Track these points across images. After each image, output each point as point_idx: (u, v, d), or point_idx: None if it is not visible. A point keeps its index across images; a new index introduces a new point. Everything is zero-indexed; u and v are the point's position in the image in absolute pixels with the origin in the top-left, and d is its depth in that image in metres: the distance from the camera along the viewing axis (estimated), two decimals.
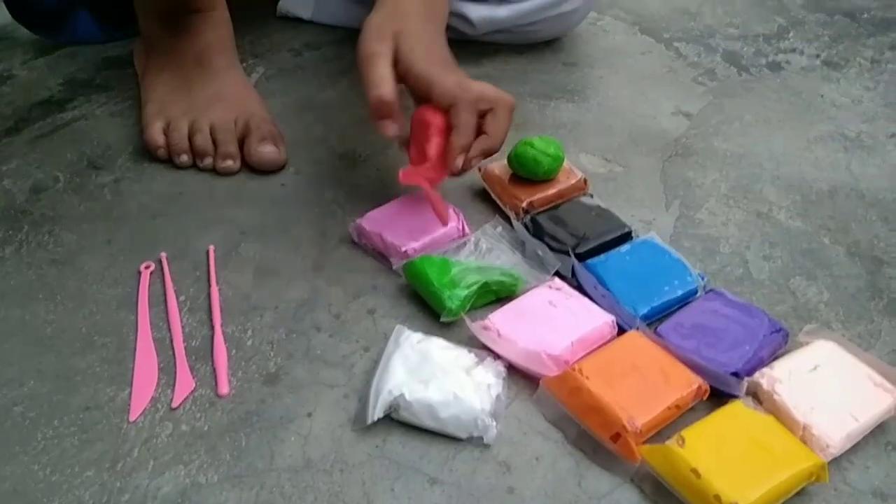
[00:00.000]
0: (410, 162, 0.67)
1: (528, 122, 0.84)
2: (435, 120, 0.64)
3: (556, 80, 0.92)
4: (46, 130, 0.82)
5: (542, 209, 0.69)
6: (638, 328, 0.56)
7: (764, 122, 0.85)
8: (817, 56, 0.99)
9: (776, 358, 0.55)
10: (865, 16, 1.10)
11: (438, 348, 0.54)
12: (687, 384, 0.51)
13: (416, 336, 0.55)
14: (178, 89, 0.79)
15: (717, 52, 0.99)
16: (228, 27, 0.84)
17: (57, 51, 0.97)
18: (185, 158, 0.76)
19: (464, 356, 0.54)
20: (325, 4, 1.03)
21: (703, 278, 0.61)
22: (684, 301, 0.60)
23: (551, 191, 0.70)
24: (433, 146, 0.64)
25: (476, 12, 0.92)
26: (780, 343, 0.56)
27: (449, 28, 0.73)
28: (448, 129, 0.64)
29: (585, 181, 0.72)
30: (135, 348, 0.57)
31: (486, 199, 0.73)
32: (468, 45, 0.94)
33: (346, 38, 1.00)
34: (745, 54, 0.99)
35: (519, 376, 0.55)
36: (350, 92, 0.89)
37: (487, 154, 0.66)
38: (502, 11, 0.92)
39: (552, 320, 0.57)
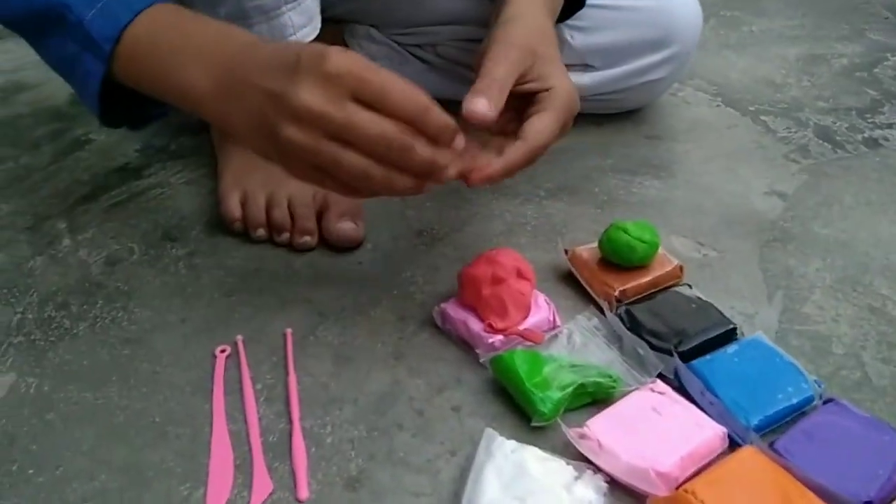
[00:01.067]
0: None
1: (613, 199, 0.80)
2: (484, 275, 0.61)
3: (640, 153, 0.89)
4: (122, 198, 0.81)
5: (635, 299, 0.65)
6: (753, 443, 0.51)
7: (866, 205, 0.80)
8: None
9: None
10: None
11: (534, 459, 0.50)
12: None
13: (510, 444, 0.51)
14: (255, 159, 0.77)
15: (808, 127, 0.95)
16: None
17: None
18: (261, 232, 0.74)
19: (562, 469, 0.50)
20: (399, 72, 1.01)
21: (819, 385, 0.56)
22: (799, 410, 0.55)
23: (645, 279, 0.66)
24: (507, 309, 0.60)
25: None
26: None
27: None
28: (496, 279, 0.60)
29: (681, 268, 0.67)
30: (209, 441, 0.54)
31: (572, 284, 0.69)
32: None
33: None
34: (838, 129, 0.95)
35: (622, 492, 0.50)
36: None
37: (519, 168, 0.58)
38: (585, 79, 0.89)
39: (657, 430, 0.52)
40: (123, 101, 0.60)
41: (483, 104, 0.55)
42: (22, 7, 0.59)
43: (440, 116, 0.50)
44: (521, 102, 0.61)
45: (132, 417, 0.56)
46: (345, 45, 1.04)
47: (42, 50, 0.62)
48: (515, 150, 0.58)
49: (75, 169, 0.86)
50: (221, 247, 0.74)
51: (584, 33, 0.86)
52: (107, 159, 0.88)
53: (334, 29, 1.03)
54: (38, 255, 0.73)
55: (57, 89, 1.04)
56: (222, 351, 0.62)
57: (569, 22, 0.86)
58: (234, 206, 0.75)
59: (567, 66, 0.88)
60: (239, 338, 0.63)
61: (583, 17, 0.86)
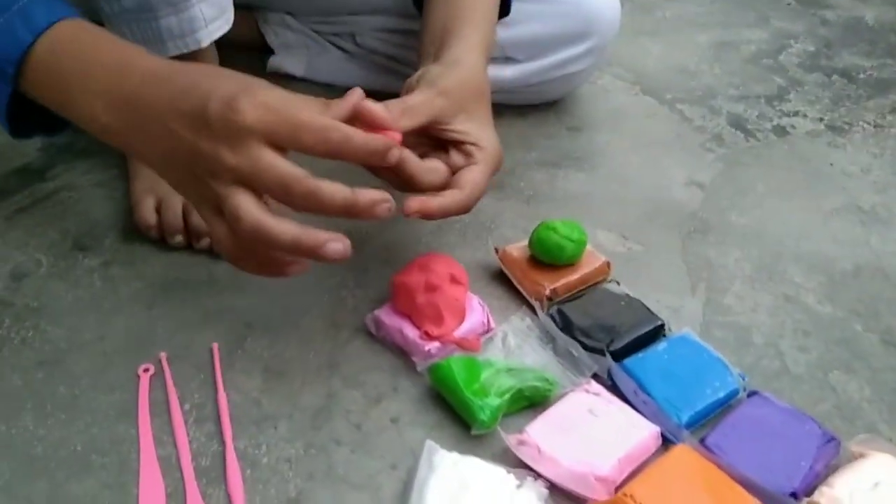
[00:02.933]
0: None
1: (538, 194, 0.81)
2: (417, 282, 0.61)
3: (563, 146, 0.90)
4: (26, 204, 0.76)
5: (566, 296, 0.66)
6: (685, 440, 0.53)
7: (777, 194, 0.83)
8: (820, 119, 0.98)
9: (830, 472, 0.52)
10: (862, 76, 1.10)
11: (476, 470, 0.50)
12: None
13: (452, 457, 0.51)
14: None
15: (722, 115, 0.98)
16: None
17: None
18: (179, 239, 0.70)
19: (504, 478, 0.50)
20: (318, 61, 0.99)
21: (743, 378, 0.59)
22: (726, 403, 0.57)
23: (574, 276, 0.67)
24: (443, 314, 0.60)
25: None
26: (832, 454, 0.54)
27: None
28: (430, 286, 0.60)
29: (608, 265, 0.69)
30: (138, 469, 0.52)
31: (503, 282, 0.69)
32: None
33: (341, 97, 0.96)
34: (749, 118, 0.98)
35: (562, 497, 0.51)
36: None
37: (452, 214, 0.59)
38: (508, 72, 0.89)
39: (594, 433, 0.53)
40: (34, 108, 0.56)
41: (381, 109, 0.54)
42: None
43: (364, 145, 0.50)
44: (437, 144, 0.62)
45: (51, 448, 0.53)
46: (259, 32, 1.00)
47: None
48: (452, 196, 0.58)
49: None
50: (138, 255, 0.70)
51: (506, 27, 0.85)
52: (4, 160, 0.82)
53: (248, 16, 0.99)
54: None
55: None
56: (146, 370, 0.59)
57: None
58: (148, 213, 0.71)
59: (490, 59, 0.88)
60: (163, 355, 0.60)
61: None
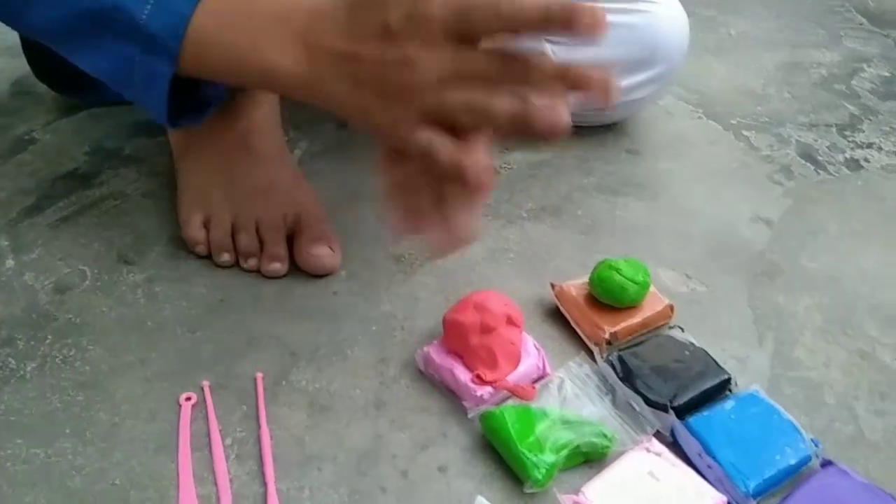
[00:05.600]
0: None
1: (597, 224, 0.77)
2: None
3: (622, 171, 0.86)
4: (71, 212, 0.75)
5: (626, 341, 0.62)
6: None
7: (851, 236, 0.79)
8: None
9: None
10: None
11: None
12: None
13: None
14: (219, 175, 0.71)
15: (791, 145, 0.93)
16: (274, 105, 0.76)
17: (82, 110, 0.89)
18: (226, 258, 0.68)
19: None
20: None
21: (816, 444, 0.55)
22: (797, 471, 0.54)
23: (636, 319, 0.63)
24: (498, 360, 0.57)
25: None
26: None
27: None
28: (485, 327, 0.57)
29: (672, 308, 0.65)
30: None
31: (558, 320, 0.66)
32: None
33: None
34: (819, 148, 0.93)
35: None
36: None
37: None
38: (568, 97, 0.85)
39: (655, 498, 0.50)
40: (179, 93, 0.55)
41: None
42: (64, 12, 0.53)
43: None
44: None
45: (90, 479, 0.51)
46: None
47: (84, 57, 0.56)
48: None
49: (18, 175, 0.79)
50: (183, 272, 0.68)
51: (565, 48, 0.81)
52: (53, 164, 0.81)
53: None
54: None
55: None
56: (188, 399, 0.57)
57: (551, 37, 0.81)
58: (196, 229, 0.69)
59: None
60: (205, 383, 0.58)
61: None
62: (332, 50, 0.48)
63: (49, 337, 0.61)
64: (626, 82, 0.83)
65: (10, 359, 0.59)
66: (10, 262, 0.68)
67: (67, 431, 0.54)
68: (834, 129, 0.97)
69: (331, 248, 0.68)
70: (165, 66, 0.53)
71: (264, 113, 0.75)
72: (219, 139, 0.72)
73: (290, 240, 0.69)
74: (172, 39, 0.51)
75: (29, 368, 0.59)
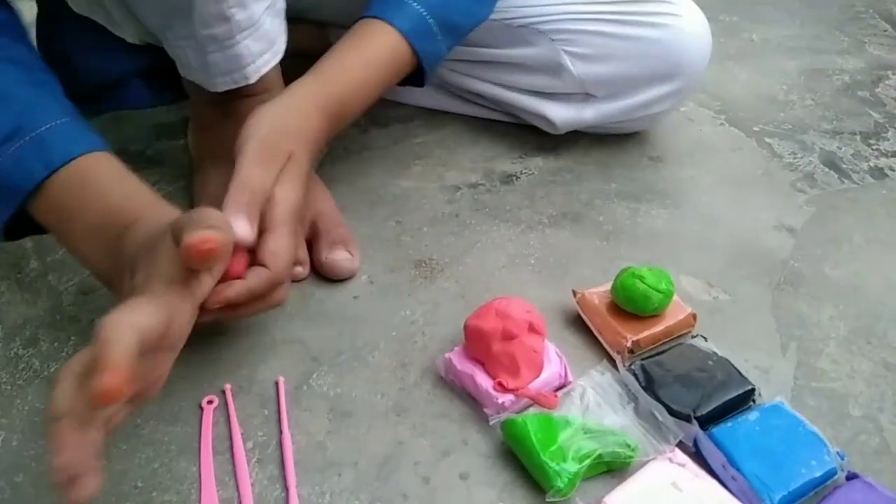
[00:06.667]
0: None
1: (618, 230, 0.77)
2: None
3: (644, 177, 0.85)
4: None
5: (648, 350, 0.62)
6: None
7: (875, 245, 0.78)
8: None
9: None
10: None
11: None
12: None
13: None
14: None
15: (814, 153, 0.92)
16: None
17: (103, 113, 0.90)
18: None
19: None
20: None
21: (842, 457, 0.54)
22: (821, 484, 0.53)
23: (659, 328, 0.63)
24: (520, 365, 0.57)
25: (558, 114, 0.85)
26: None
27: None
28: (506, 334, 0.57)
29: (694, 317, 0.64)
30: None
31: (580, 327, 0.65)
32: (543, 133, 0.88)
33: (416, 115, 0.94)
34: (843, 156, 0.92)
35: None
36: (424, 182, 0.82)
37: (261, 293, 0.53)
38: (588, 113, 0.85)
39: None
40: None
41: (244, 227, 0.53)
42: None
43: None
44: None
45: (113, 481, 0.51)
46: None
47: None
48: (258, 276, 0.52)
49: None
50: None
51: (585, 61, 0.81)
52: None
53: (319, 31, 0.97)
54: (3, 279, 0.67)
55: None
56: (209, 402, 0.57)
57: (569, 49, 0.81)
58: None
59: (567, 94, 0.84)
60: (227, 386, 0.58)
61: (585, 44, 0.81)
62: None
63: (73, 338, 0.62)
64: (646, 95, 0.82)
65: (34, 359, 0.60)
66: (34, 264, 0.69)
67: None
68: (858, 137, 0.96)
69: (349, 253, 0.68)
70: (7, 208, 0.53)
71: None
72: (233, 147, 0.72)
73: (309, 245, 0.69)
74: (18, 195, 0.52)
75: (52, 369, 0.59)
